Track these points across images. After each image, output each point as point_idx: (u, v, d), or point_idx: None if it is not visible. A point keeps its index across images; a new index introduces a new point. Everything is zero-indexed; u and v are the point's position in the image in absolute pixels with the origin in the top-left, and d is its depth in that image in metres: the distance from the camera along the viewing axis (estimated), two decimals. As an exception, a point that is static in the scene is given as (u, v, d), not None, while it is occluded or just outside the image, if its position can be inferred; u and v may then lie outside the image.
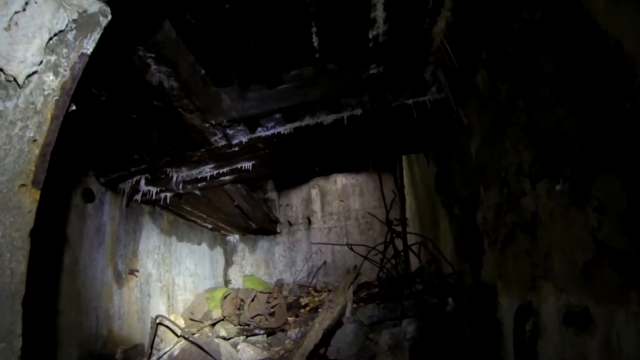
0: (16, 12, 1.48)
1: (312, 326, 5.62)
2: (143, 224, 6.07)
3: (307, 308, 7.44)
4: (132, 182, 5.12)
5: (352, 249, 6.36)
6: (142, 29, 2.87)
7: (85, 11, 1.72)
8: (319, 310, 6.12)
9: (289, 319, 6.88)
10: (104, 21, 1.82)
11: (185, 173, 5.17)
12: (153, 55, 3.11)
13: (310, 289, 8.84)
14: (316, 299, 7.92)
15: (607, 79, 1.29)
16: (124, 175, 5.03)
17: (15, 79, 1.46)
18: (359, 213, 9.65)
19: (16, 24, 1.47)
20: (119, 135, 4.14)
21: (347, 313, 5.27)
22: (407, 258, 5.47)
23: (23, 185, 1.47)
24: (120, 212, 5.43)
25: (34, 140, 1.51)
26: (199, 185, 5.54)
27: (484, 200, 3.32)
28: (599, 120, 1.71)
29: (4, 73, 1.44)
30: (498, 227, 3.06)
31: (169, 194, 5.57)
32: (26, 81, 1.50)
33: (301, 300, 7.95)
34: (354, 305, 5.47)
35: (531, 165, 2.40)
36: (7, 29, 1.46)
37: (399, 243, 5.69)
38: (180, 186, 5.32)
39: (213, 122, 4.13)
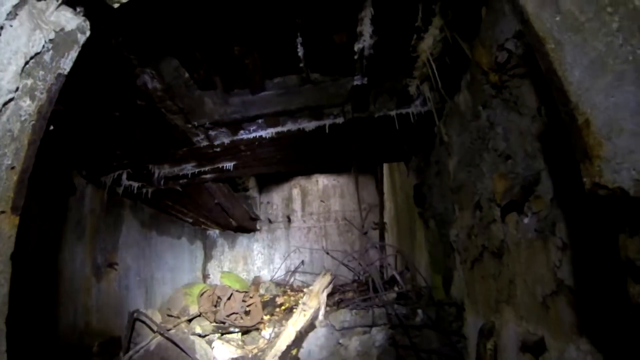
0: (-9, 39, 1.44)
1: (285, 327, 5.67)
2: (124, 217, 6.02)
3: (283, 307, 7.48)
4: (114, 176, 5.07)
5: (328, 254, 6.42)
6: (126, 34, 2.86)
7: (62, 29, 1.68)
8: (294, 310, 6.17)
9: (264, 317, 6.91)
10: (82, 38, 1.78)
11: (167, 170, 5.16)
12: (137, 57, 3.11)
13: (287, 287, 8.86)
14: (292, 298, 7.95)
15: (573, 147, 1.28)
16: (106, 169, 4.98)
17: None
18: (339, 214, 9.68)
19: (-9, 52, 1.44)
20: (102, 132, 4.12)
21: (320, 317, 5.33)
22: (382, 266, 5.55)
23: (2, 212, 1.47)
24: (101, 206, 5.38)
25: (12, 168, 1.50)
26: (181, 182, 5.53)
27: (458, 219, 3.40)
28: (565, 169, 1.78)
29: None
30: (469, 248, 3.14)
31: (150, 189, 5.55)
32: (3, 109, 1.48)
33: (277, 299, 7.97)
34: (327, 309, 5.53)
35: (503, 196, 2.46)
36: (-17, 59, 1.43)
37: (376, 251, 5.77)
38: (162, 182, 5.31)
39: (196, 123, 4.13)
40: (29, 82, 1.56)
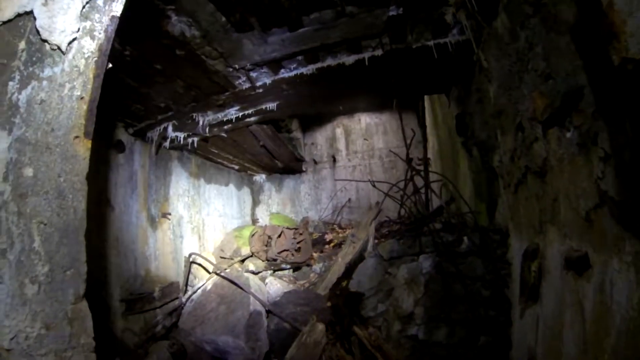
0: (50, -13, 1.65)
1: (335, 260, 5.89)
2: (172, 168, 6.29)
3: (332, 244, 7.71)
4: (159, 129, 5.28)
5: (374, 186, 6.50)
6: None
7: (110, -25, 1.88)
8: (343, 246, 6.36)
9: (314, 254, 7.17)
10: (129, -17, 1.97)
11: (211, 117, 5.29)
12: (173, 7, 3.16)
13: (334, 225, 9.09)
14: (340, 235, 8.17)
15: (602, 34, 1.35)
16: (152, 124, 5.19)
17: (59, 47, 1.68)
18: (383, 152, 9.69)
19: (52, -2, 1.65)
20: (145, 86, 4.26)
21: (369, 248, 5.48)
22: (427, 196, 5.58)
23: (77, 137, 1.73)
24: (150, 160, 5.64)
25: (81, 98, 1.75)
26: (225, 127, 5.67)
27: (501, 144, 3.35)
28: (604, 74, 1.73)
29: (49, 43, 1.65)
30: (512, 171, 3.12)
31: (196, 138, 5.74)
32: (68, 48, 1.71)
33: (326, 236, 8.21)
34: (375, 241, 5.67)
35: (544, 111, 2.41)
36: (45, 4, 1.65)
37: (420, 181, 5.78)
38: (207, 129, 5.46)
39: (236, 66, 4.20)
40: (87, 24, 1.80)
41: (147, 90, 4.37)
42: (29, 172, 1.53)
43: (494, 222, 3.98)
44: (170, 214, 5.96)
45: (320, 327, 4.26)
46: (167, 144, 5.66)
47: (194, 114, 5.17)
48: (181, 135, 5.53)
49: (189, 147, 5.98)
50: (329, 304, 4.88)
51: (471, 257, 3.78)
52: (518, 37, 2.69)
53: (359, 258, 5.26)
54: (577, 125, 2.08)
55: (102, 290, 4.35)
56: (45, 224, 1.56)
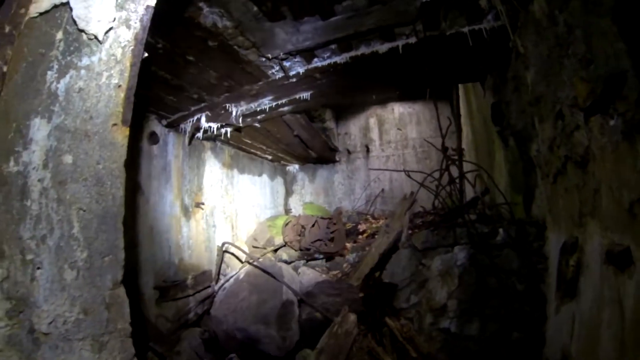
0: (86, -22, 1.70)
1: (368, 251, 5.86)
2: (205, 159, 6.41)
3: (365, 234, 7.69)
4: (192, 120, 5.37)
5: (409, 176, 6.44)
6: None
7: (143, -34, 1.92)
8: (376, 236, 6.32)
9: (347, 244, 7.15)
10: (162, -27, 2.01)
11: (244, 107, 5.34)
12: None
13: (368, 216, 9.07)
14: (374, 225, 8.13)
15: None
16: (185, 115, 5.30)
17: (96, 37, 1.74)
18: (417, 142, 9.59)
19: (88, -12, 1.69)
20: (178, 78, 4.34)
21: (403, 238, 5.41)
22: (461, 187, 5.49)
23: (115, 124, 1.78)
24: (184, 150, 5.77)
25: (119, 86, 1.80)
26: (259, 117, 5.71)
27: (539, 132, 3.24)
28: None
29: (86, 33, 1.72)
30: (551, 161, 3.01)
31: (229, 129, 5.81)
32: (105, 37, 1.77)
33: (359, 226, 8.20)
34: (409, 232, 5.60)
35: (586, 97, 2.32)
36: (81, -6, 1.69)
37: (454, 171, 5.69)
38: (240, 120, 5.52)
39: (269, 55, 4.22)
40: (123, 14, 1.85)
41: (180, 82, 4.44)
42: (68, 159, 1.58)
43: (530, 214, 3.87)
44: (203, 204, 6.07)
45: (352, 317, 4.26)
46: (200, 134, 5.75)
47: (227, 105, 5.22)
48: (214, 125, 5.59)
49: (222, 137, 6.06)
50: (361, 294, 4.87)
51: (506, 250, 3.70)
52: (556, 21, 2.59)
53: (393, 249, 5.21)
54: (621, 112, 1.99)
55: (137, 277, 4.48)
56: (84, 211, 1.61)
